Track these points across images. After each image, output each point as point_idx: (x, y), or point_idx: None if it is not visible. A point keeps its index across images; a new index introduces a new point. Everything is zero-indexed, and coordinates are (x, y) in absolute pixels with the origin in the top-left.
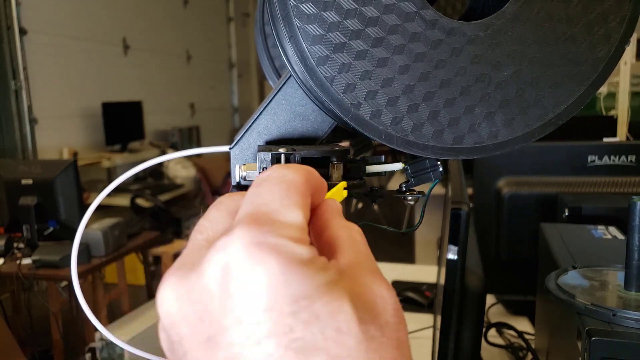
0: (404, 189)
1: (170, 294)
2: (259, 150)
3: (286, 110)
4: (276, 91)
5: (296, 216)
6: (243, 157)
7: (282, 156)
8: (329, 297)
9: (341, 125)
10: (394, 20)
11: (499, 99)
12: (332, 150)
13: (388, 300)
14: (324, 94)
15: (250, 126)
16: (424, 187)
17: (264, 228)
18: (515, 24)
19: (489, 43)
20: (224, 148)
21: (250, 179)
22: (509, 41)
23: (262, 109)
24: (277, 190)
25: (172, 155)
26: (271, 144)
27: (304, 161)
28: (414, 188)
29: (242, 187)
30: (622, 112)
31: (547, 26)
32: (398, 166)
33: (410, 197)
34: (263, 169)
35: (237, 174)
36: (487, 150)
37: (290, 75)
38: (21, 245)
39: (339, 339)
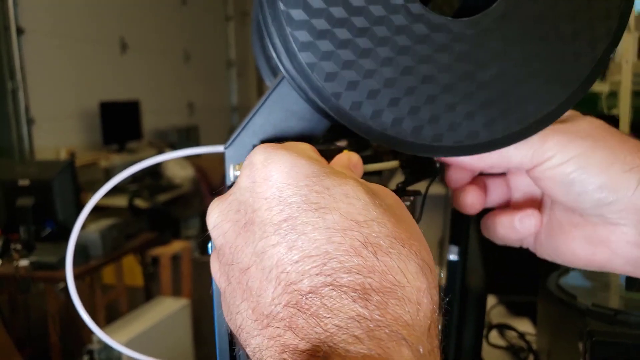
0: (401, 188)
1: (213, 208)
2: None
3: (282, 109)
4: (272, 90)
5: (304, 145)
6: (238, 157)
7: None
8: (336, 176)
9: (332, 122)
10: (380, 12)
11: (481, 99)
12: (329, 149)
13: (387, 190)
14: (305, 82)
15: (245, 125)
16: (421, 187)
17: (279, 144)
18: (502, 24)
19: (475, 42)
20: (219, 148)
21: None
22: (495, 41)
23: (257, 108)
24: (289, 142)
25: (167, 156)
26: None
27: None
28: (411, 187)
29: None
30: (624, 111)
31: (533, 29)
32: (394, 164)
33: (406, 196)
34: None
35: (232, 174)
36: (466, 150)
37: (282, 77)
38: (18, 246)
39: (348, 201)
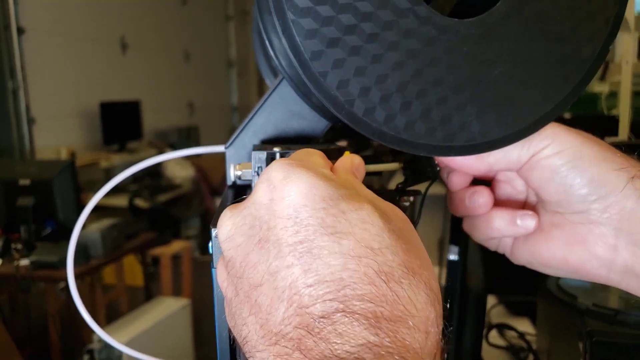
0: (401, 188)
1: (226, 220)
2: (253, 149)
3: (282, 109)
4: (272, 90)
5: (317, 158)
6: (238, 157)
7: (277, 155)
8: (352, 200)
9: (333, 123)
10: (389, 16)
11: (490, 97)
12: (329, 149)
13: (397, 210)
14: (317, 90)
15: (245, 125)
16: (421, 187)
17: (295, 158)
18: (506, 23)
19: (481, 41)
20: (220, 148)
21: (245, 179)
22: (501, 39)
23: (257, 108)
24: (300, 151)
25: (167, 156)
26: (267, 143)
27: None
28: (411, 188)
29: (238, 188)
30: (623, 111)
31: (536, 25)
32: (395, 166)
33: (406, 197)
34: (258, 168)
35: (232, 173)
36: (478, 148)
37: (281, 79)
38: (19, 246)
39: (363, 227)
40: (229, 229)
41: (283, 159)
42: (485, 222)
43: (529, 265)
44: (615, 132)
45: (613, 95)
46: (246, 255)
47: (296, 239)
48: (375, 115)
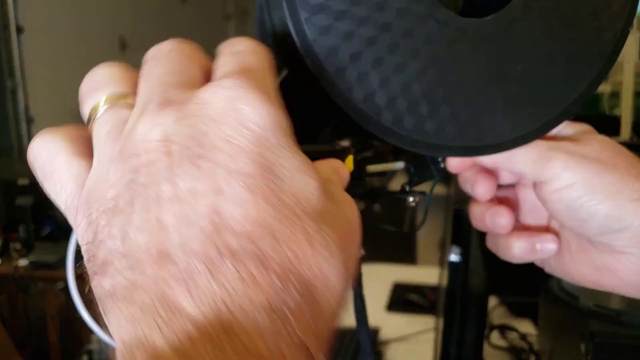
0: (406, 188)
1: (169, 118)
2: None
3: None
4: None
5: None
6: None
7: None
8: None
9: (342, 125)
10: (408, 24)
11: (515, 93)
12: (331, 149)
13: (353, 207)
14: (344, 106)
15: None
16: (426, 188)
17: (258, 81)
18: (524, 16)
19: (501, 38)
20: None
21: None
22: (520, 34)
23: None
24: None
25: None
26: None
27: None
28: (416, 188)
29: None
30: (625, 111)
31: (555, 16)
32: (399, 165)
33: (411, 198)
34: None
35: None
36: (509, 145)
37: (286, 74)
38: (17, 246)
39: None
40: (171, 126)
41: (251, 80)
42: (505, 249)
43: (563, 279)
44: (617, 132)
45: (615, 95)
46: (176, 164)
47: (234, 169)
48: (404, 124)
